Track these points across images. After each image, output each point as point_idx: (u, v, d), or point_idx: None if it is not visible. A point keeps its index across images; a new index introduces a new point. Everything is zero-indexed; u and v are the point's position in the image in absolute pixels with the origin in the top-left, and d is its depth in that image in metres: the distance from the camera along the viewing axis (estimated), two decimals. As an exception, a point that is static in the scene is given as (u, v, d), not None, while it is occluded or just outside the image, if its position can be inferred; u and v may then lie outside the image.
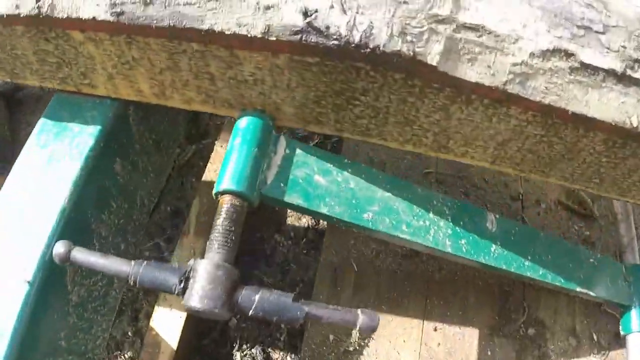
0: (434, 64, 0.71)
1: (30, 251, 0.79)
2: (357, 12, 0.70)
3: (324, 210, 0.83)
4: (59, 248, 0.73)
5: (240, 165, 0.78)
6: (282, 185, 0.82)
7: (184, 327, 1.32)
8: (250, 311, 0.71)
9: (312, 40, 0.72)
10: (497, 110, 0.77)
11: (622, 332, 1.13)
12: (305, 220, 1.66)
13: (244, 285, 0.73)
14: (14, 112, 1.70)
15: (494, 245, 0.95)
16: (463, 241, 0.93)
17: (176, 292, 0.71)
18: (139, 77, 0.87)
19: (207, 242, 0.76)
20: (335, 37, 0.71)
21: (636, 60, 0.71)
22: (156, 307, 1.34)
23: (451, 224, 0.93)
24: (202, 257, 0.76)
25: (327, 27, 0.70)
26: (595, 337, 1.21)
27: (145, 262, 0.72)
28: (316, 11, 0.70)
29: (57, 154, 0.87)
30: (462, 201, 0.97)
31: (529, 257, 0.98)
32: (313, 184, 0.84)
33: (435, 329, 1.19)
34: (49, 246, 0.80)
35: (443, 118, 0.81)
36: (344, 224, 0.85)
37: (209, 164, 1.63)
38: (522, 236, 1.00)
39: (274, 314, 0.71)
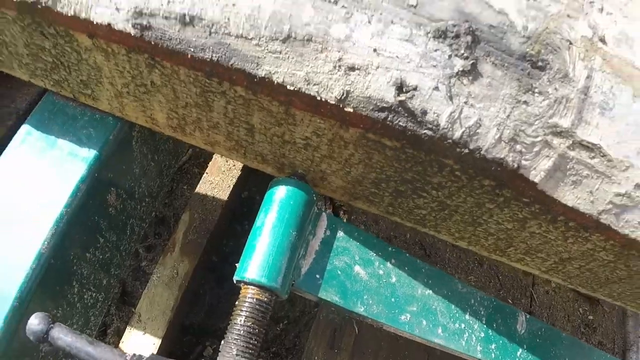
0: (536, 181, 0.53)
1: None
2: (465, 103, 0.50)
3: (360, 309, 0.64)
4: (35, 323, 0.51)
5: (274, 252, 0.58)
6: (317, 277, 0.62)
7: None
8: None
9: (400, 124, 0.52)
10: (578, 234, 0.60)
11: None
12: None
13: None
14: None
15: (520, 350, 0.81)
16: (493, 346, 0.77)
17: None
18: (156, 105, 0.64)
19: (223, 343, 0.55)
20: (430, 126, 0.51)
21: None
22: (128, 328, 1.12)
23: (485, 326, 0.77)
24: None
25: (424, 113, 0.51)
26: None
27: (144, 358, 0.52)
28: (415, 89, 0.50)
29: (39, 179, 0.64)
30: (498, 301, 0.82)
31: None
32: (352, 277, 0.65)
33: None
34: (21, 300, 0.57)
35: (516, 228, 0.64)
36: (377, 324, 0.67)
37: (205, 174, 1.40)
38: (546, 338, 0.86)
39: None
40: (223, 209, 1.37)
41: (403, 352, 1.07)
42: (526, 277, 1.22)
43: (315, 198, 0.64)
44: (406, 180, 0.60)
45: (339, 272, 0.64)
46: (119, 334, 1.15)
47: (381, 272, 0.68)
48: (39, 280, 0.60)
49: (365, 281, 0.66)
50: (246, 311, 0.56)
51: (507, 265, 1.22)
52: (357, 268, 0.66)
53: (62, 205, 0.62)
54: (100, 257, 0.77)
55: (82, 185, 0.65)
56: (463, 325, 0.74)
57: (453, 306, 0.73)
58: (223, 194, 1.40)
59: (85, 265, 0.72)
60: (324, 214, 0.66)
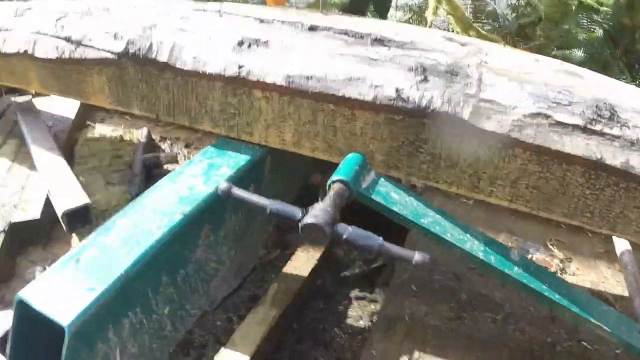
0: (466, 118, 1.60)
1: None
2: (425, 90, 1.64)
3: (395, 209, 1.61)
4: (223, 185, 1.55)
5: (349, 168, 1.62)
6: (370, 190, 1.63)
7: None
8: (344, 236, 1.46)
9: (399, 105, 1.64)
10: (507, 152, 1.60)
11: (646, 380, 1.62)
12: (363, 322, 2.33)
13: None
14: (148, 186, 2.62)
15: (516, 268, 1.64)
16: (492, 257, 1.64)
17: (298, 218, 1.48)
18: (287, 128, 1.80)
19: (317, 204, 1.53)
20: (412, 103, 1.63)
21: (592, 120, 1.54)
22: (223, 348, 1.97)
23: (483, 244, 1.65)
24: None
25: (408, 97, 1.64)
26: (622, 401, 1.70)
27: (279, 201, 1.52)
28: (402, 89, 1.65)
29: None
30: (491, 238, 1.71)
31: (547, 285, 1.65)
32: (389, 196, 1.64)
33: (474, 373, 1.76)
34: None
35: (474, 161, 1.65)
36: (407, 221, 1.61)
37: (289, 262, 2.44)
38: (539, 271, 1.69)
39: (359, 239, 1.45)
40: (303, 283, 2.34)
41: (446, 336, 1.79)
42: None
43: (367, 161, 1.71)
44: (410, 141, 1.66)
45: (382, 191, 1.64)
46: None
47: (406, 199, 1.66)
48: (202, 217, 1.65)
49: (397, 199, 1.64)
50: (334, 191, 1.57)
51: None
52: (392, 193, 1.65)
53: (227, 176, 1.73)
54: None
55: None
56: (466, 238, 1.64)
57: (457, 226, 1.66)
58: (304, 274, 2.39)
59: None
60: (372, 170, 1.71)
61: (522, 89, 1.63)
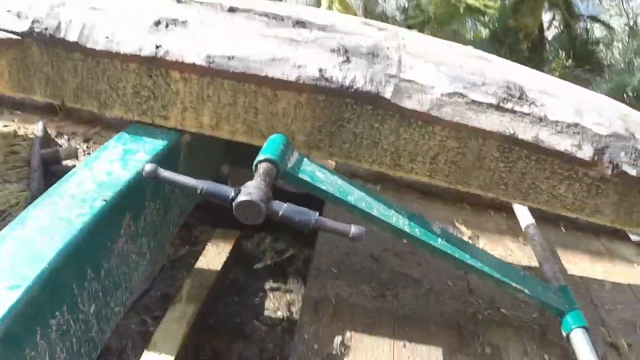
0: (388, 97, 1.67)
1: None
2: (348, 71, 1.69)
3: (322, 187, 1.64)
4: (149, 167, 1.50)
5: (274, 147, 1.63)
6: (296, 169, 1.65)
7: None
8: (280, 212, 1.46)
9: (322, 84, 1.67)
10: (427, 129, 1.69)
11: (564, 333, 1.75)
12: (281, 313, 2.35)
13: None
14: (47, 185, 2.43)
15: (440, 239, 1.74)
16: (417, 230, 1.71)
17: (231, 197, 1.46)
18: (205, 111, 1.77)
19: (248, 183, 1.53)
20: (335, 83, 1.67)
21: (504, 99, 1.67)
22: (145, 351, 1.90)
23: (407, 219, 1.73)
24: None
25: (331, 77, 1.67)
26: (546, 356, 1.86)
27: (209, 181, 1.50)
28: (326, 69, 1.69)
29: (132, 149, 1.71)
30: (414, 212, 1.79)
31: (469, 254, 1.75)
32: (315, 175, 1.67)
33: (405, 346, 1.83)
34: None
35: (395, 139, 1.71)
36: (334, 199, 1.64)
37: (201, 257, 2.40)
38: (461, 242, 1.80)
39: (295, 215, 1.46)
40: (216, 279, 2.31)
41: (373, 313, 1.86)
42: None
43: (290, 141, 1.73)
44: (332, 121, 1.70)
45: (307, 170, 1.66)
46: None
47: (331, 178, 1.70)
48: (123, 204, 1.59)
49: (323, 178, 1.67)
50: (261, 170, 1.57)
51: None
52: (317, 172, 1.68)
53: (145, 161, 1.68)
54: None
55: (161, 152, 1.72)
56: (391, 213, 1.71)
57: (382, 203, 1.72)
58: (216, 268, 2.36)
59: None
60: (295, 150, 1.73)
61: (438, 71, 1.73)
